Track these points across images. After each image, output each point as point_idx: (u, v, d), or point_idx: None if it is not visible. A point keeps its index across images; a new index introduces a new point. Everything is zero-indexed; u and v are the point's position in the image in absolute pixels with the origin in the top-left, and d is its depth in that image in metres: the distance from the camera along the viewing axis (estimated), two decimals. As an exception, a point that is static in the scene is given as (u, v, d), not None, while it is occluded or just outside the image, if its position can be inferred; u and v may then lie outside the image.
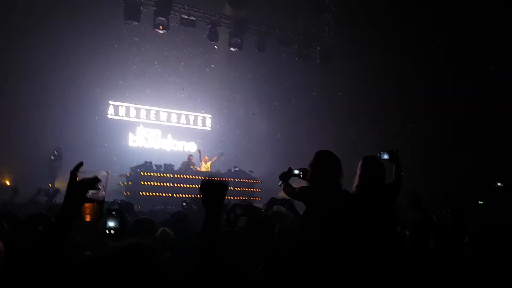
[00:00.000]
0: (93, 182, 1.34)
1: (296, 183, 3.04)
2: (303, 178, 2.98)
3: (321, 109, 13.67)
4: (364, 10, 11.73)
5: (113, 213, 2.44)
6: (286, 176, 3.08)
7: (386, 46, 11.18)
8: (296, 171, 3.03)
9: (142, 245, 1.31)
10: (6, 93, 10.81)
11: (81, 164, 1.36)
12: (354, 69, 11.91)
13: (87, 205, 1.35)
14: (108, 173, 1.40)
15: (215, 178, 1.60)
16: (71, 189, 1.33)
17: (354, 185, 3.11)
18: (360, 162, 3.14)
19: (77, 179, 1.34)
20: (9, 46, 10.81)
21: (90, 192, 1.35)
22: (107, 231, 2.39)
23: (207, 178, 1.60)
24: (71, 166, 1.37)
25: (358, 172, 3.11)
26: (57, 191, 5.37)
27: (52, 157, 11.12)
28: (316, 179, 2.77)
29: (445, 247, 2.58)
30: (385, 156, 3.30)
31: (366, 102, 11.91)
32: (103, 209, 1.42)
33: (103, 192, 1.39)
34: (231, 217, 2.31)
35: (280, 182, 3.11)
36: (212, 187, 1.56)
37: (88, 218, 1.37)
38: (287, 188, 3.04)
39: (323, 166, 2.74)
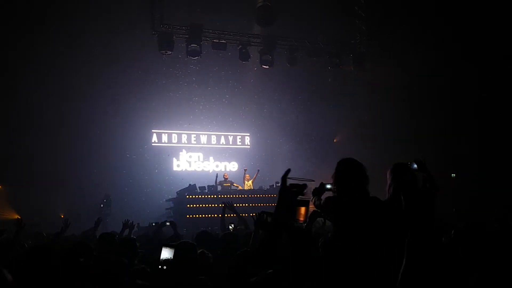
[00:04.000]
0: (302, 188, 1.54)
1: None
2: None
3: (362, 118, 13.36)
4: (395, 13, 11.45)
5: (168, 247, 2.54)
6: (319, 191, 3.03)
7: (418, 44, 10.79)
8: (329, 186, 2.95)
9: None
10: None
11: (288, 170, 1.55)
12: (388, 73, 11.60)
13: (300, 208, 1.58)
14: (313, 181, 1.65)
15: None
16: (282, 192, 1.51)
17: (387, 192, 3.07)
18: (389, 170, 3.09)
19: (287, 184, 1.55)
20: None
21: (299, 197, 1.57)
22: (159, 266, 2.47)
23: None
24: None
25: (389, 179, 3.06)
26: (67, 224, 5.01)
27: (102, 205, 11.28)
28: (340, 188, 2.68)
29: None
30: (414, 166, 3.25)
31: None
32: (309, 211, 1.65)
33: (307, 198, 1.64)
34: (263, 220, 2.35)
35: (312, 198, 3.06)
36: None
37: (301, 218, 1.61)
38: (316, 202, 2.99)
39: (345, 173, 2.65)
